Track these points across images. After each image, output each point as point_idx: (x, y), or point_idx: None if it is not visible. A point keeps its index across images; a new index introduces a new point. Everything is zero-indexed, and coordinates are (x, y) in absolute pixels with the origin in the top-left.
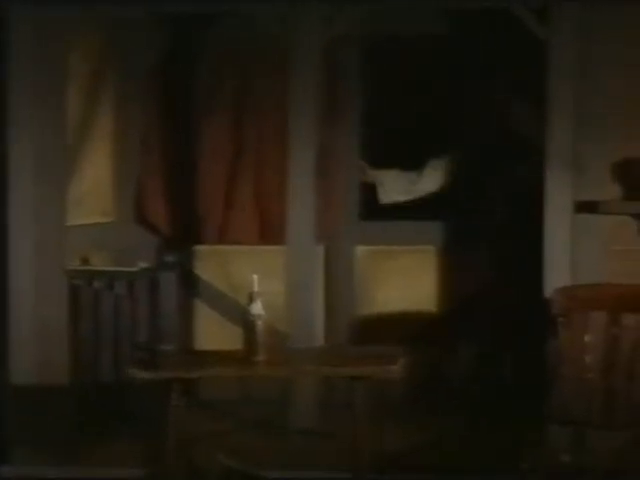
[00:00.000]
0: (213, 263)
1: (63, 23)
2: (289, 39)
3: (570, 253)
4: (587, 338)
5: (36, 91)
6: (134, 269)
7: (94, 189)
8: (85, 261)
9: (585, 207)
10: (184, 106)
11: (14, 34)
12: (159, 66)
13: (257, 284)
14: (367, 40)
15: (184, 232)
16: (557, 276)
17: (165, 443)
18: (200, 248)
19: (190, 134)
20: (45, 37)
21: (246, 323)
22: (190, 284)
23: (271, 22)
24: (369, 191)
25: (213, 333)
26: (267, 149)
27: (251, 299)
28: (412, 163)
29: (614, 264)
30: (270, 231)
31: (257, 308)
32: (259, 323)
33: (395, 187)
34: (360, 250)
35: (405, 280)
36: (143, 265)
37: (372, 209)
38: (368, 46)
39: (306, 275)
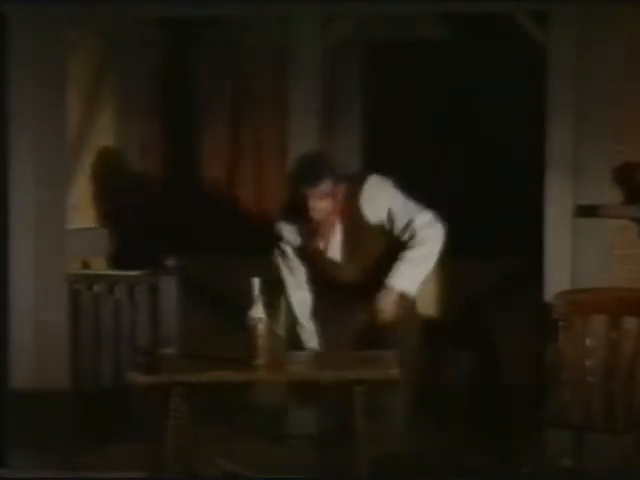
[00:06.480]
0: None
1: (63, 23)
2: (289, 40)
3: (571, 257)
4: (587, 342)
5: (36, 92)
6: (134, 273)
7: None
8: (85, 265)
9: (586, 211)
10: (185, 108)
11: (14, 34)
12: (159, 67)
13: (257, 288)
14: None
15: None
16: (558, 280)
17: (165, 447)
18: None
19: (191, 136)
20: (45, 37)
21: (247, 327)
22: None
23: (271, 23)
24: None
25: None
26: (267, 151)
27: (252, 303)
28: (412, 164)
29: (615, 268)
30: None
31: (258, 312)
32: (260, 327)
33: None
34: None
35: None
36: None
37: None
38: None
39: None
